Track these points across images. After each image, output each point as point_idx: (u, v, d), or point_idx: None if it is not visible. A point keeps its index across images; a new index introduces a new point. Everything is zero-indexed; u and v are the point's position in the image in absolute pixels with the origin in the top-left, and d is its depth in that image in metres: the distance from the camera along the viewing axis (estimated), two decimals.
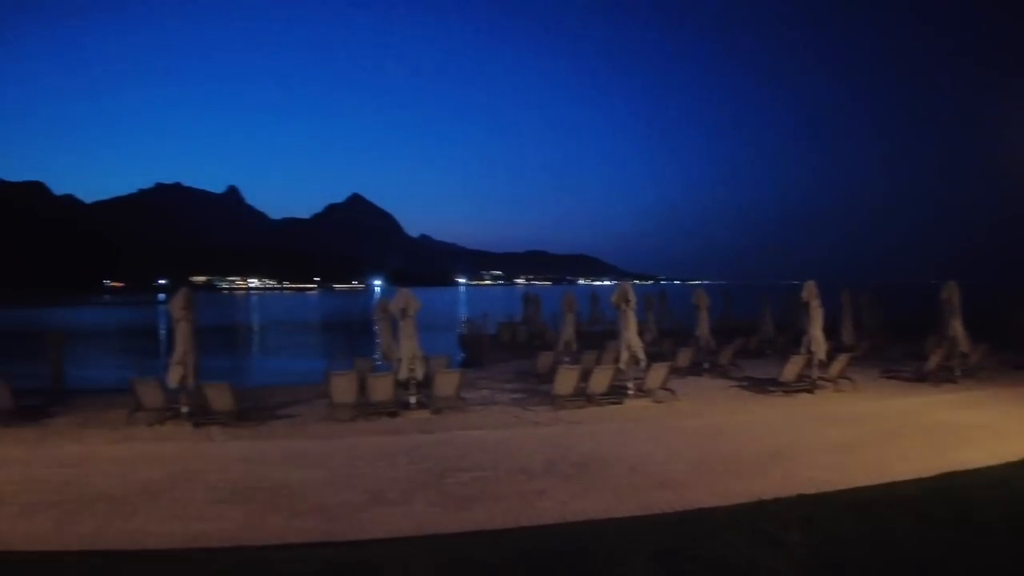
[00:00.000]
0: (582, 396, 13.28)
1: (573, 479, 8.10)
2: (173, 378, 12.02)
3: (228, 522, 6.77)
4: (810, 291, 15.32)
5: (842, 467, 8.55)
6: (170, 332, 13.10)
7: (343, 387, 12.77)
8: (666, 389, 14.04)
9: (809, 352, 15.02)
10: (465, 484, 7.94)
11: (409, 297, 13.31)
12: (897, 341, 23.17)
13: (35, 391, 14.59)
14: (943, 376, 15.92)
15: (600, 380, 13.40)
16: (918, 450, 9.47)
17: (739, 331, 24.32)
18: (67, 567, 5.74)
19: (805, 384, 14.83)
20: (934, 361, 16.07)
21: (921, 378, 16.04)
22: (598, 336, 23.02)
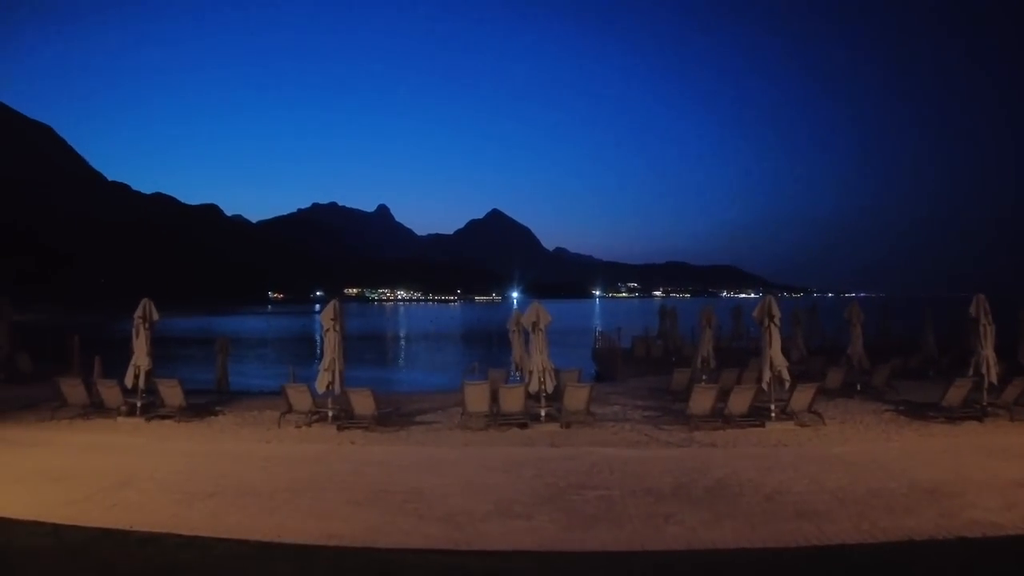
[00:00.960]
0: (719, 417, 12.85)
1: (704, 504, 7.89)
2: (321, 384, 13.08)
3: (360, 523, 7.29)
4: (980, 305, 13.90)
5: (1014, 508, 7.68)
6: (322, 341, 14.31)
7: (476, 397, 13.26)
8: (812, 412, 13.25)
9: (978, 374, 13.61)
10: (590, 502, 7.98)
11: (540, 310, 13.57)
12: None
13: (203, 391, 16.59)
14: None
15: (740, 400, 12.89)
16: None
17: (898, 349, 22.49)
18: (216, 552, 6.46)
19: (973, 411, 13.41)
20: None
21: None
22: (740, 353, 22.19)
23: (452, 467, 9.86)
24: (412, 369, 38.22)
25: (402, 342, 65.94)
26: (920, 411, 13.90)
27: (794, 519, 7.35)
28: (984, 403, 13.55)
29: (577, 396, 13.38)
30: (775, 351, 13.26)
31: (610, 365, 25.44)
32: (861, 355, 17.69)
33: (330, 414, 13.22)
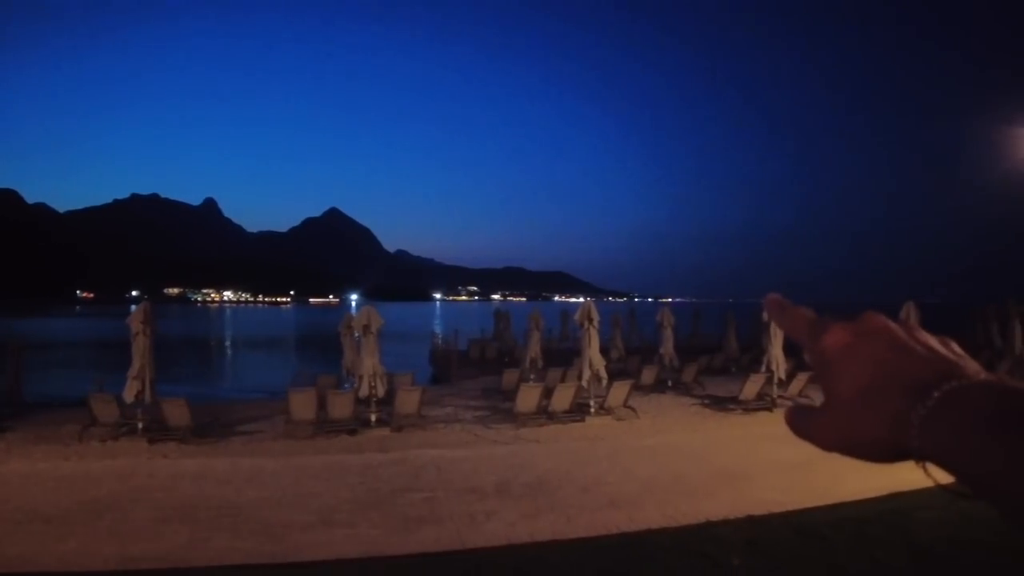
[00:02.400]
0: (544, 414, 13.25)
1: (524, 499, 8.05)
2: (129, 393, 11.82)
3: (169, 543, 6.62)
4: None
5: (792, 488, 8.59)
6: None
7: (302, 404, 12.62)
8: (628, 407, 14.06)
9: (769, 371, 15.19)
10: (414, 505, 7.86)
11: (372, 313, 13.26)
12: None
13: None
14: None
15: (562, 398, 13.38)
16: (867, 469, 9.50)
17: (706, 349, 24.52)
18: None
19: (764, 403, 14.96)
20: None
21: None
22: (566, 353, 23.06)
23: (273, 478, 9.24)
24: (235, 376, 35.88)
25: (227, 347, 61.74)
26: (722, 404, 15.29)
27: (607, 508, 7.70)
28: (774, 396, 15.14)
29: (409, 399, 13.18)
30: (594, 351, 13.94)
31: (446, 367, 25.47)
32: (672, 354, 19.04)
33: (140, 426, 11.95)
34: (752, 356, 24.16)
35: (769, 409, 14.79)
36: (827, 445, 0.56)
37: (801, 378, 15.57)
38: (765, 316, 15.62)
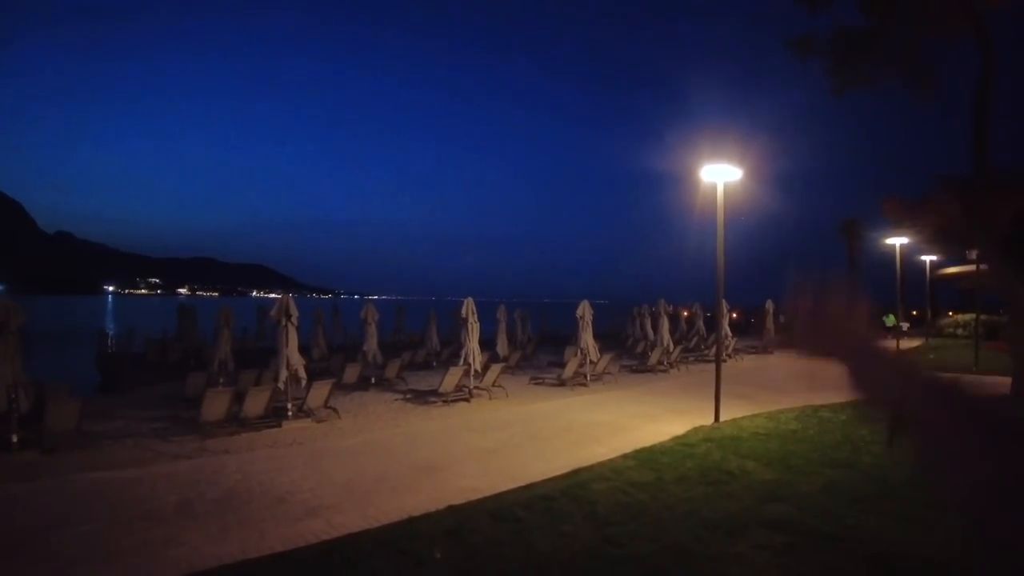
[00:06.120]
0: (235, 421, 12.11)
1: (211, 519, 7.15)
2: None
3: None
4: (468, 307, 16.28)
5: (488, 473, 8.99)
6: None
7: None
8: (328, 407, 13.54)
9: (467, 363, 15.91)
10: (70, 543, 6.44)
11: (10, 307, 10.81)
12: (548, 352, 26.07)
13: None
14: (577, 381, 18.15)
15: (256, 402, 12.34)
16: (554, 449, 10.48)
17: (409, 345, 24.95)
18: None
19: (463, 394, 15.63)
20: (570, 369, 18.26)
21: (561, 383, 18.10)
22: (263, 353, 21.60)
23: None
24: None
25: None
26: (423, 397, 15.60)
27: (305, 517, 7.20)
28: (471, 387, 15.90)
29: (64, 413, 10.95)
30: (292, 350, 13.18)
31: (116, 373, 22.13)
32: (375, 351, 18.99)
33: None
34: (451, 350, 25.23)
35: (467, 400, 15.48)
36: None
37: (495, 369, 16.60)
38: (463, 312, 16.32)
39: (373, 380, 18.07)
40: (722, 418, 12.69)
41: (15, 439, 10.63)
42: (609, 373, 19.72)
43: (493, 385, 16.42)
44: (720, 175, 12.96)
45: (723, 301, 18.37)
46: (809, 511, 7.23)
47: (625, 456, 9.85)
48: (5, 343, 10.79)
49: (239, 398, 12.38)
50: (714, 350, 25.69)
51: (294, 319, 13.21)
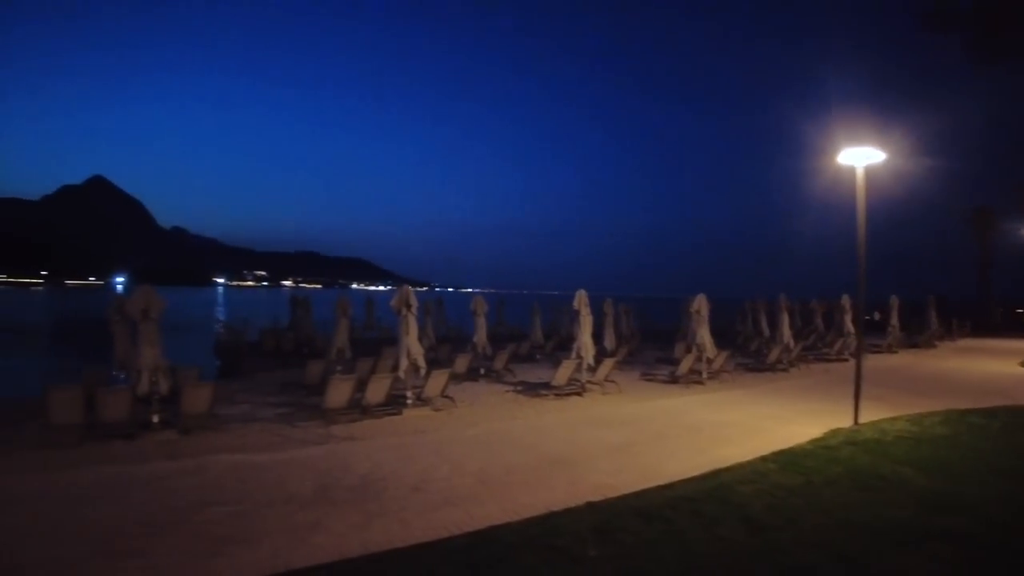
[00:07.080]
0: (357, 408, 12.30)
1: (350, 505, 7.17)
2: None
3: None
4: (581, 300, 15.93)
5: (622, 471, 8.65)
6: None
7: (65, 405, 10.38)
8: (446, 397, 13.58)
9: (579, 357, 15.58)
10: (219, 522, 6.61)
11: (151, 296, 11.33)
12: (650, 347, 25.37)
13: None
14: (692, 379, 17.47)
15: (377, 390, 12.50)
16: (685, 449, 10.00)
17: (512, 337, 24.90)
18: None
19: (575, 387, 15.33)
20: (685, 365, 17.59)
21: (674, 380, 17.47)
22: (374, 343, 22.10)
23: (28, 503, 7.29)
24: None
25: None
26: (534, 390, 15.41)
27: (443, 507, 7.10)
28: (584, 381, 15.58)
29: (199, 396, 11.43)
30: (412, 339, 13.27)
31: (235, 359, 23.21)
32: (484, 342, 18.99)
33: None
34: (555, 343, 25.00)
35: (580, 393, 15.18)
36: None
37: (608, 363, 16.19)
38: (575, 305, 15.99)
39: (482, 371, 18.06)
40: (860, 421, 11.82)
41: (156, 420, 11.17)
42: (726, 371, 18.91)
43: (605, 380, 16.03)
44: (860, 158, 12.03)
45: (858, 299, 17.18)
46: (985, 523, 6.53)
47: (764, 459, 9.27)
48: (147, 329, 11.34)
49: (360, 386, 12.56)
50: (835, 348, 24.46)
51: (414, 309, 13.29)
